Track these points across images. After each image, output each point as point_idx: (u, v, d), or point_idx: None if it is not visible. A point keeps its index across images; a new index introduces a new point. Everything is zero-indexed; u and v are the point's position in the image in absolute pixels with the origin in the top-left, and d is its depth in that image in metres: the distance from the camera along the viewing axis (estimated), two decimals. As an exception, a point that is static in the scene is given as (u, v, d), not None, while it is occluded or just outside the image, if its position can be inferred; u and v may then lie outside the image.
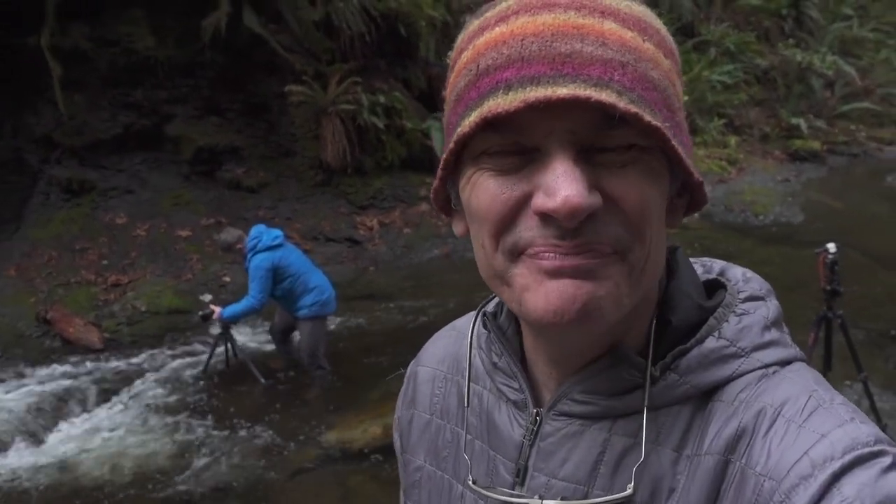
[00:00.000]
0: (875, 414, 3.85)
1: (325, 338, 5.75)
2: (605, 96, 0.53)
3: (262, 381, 5.64)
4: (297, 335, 5.78)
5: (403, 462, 0.87)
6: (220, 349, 5.82)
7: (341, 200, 9.75)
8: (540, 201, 0.56)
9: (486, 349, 0.76)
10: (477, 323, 0.80)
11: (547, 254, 0.57)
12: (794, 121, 14.61)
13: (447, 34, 11.22)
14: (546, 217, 0.56)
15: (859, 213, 10.47)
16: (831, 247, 3.81)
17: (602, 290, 0.58)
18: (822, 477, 0.53)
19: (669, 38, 0.62)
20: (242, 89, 9.59)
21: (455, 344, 0.86)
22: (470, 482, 0.73)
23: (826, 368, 3.97)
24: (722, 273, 0.74)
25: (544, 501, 0.66)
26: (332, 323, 6.72)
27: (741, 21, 16.65)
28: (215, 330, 5.94)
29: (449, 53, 0.66)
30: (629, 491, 0.62)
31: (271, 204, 9.34)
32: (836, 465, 0.53)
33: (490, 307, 0.79)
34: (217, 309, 5.45)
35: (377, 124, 9.64)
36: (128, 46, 8.86)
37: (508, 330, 0.74)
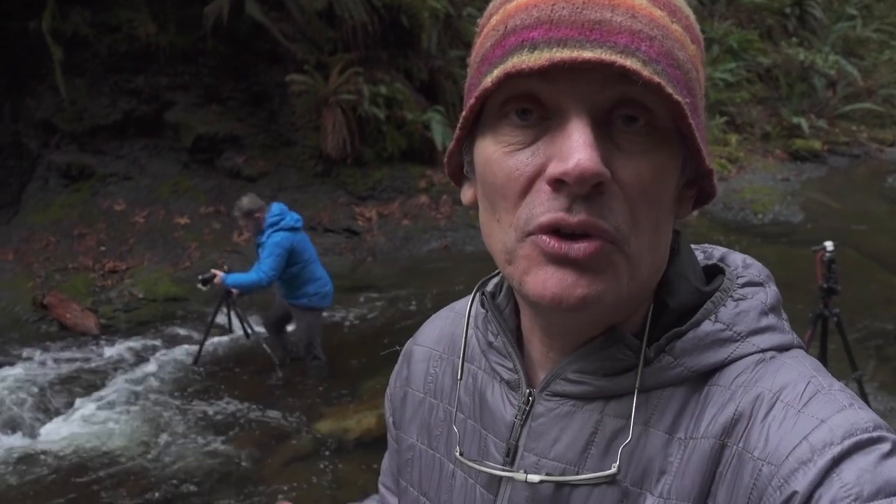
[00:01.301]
0: (869, 413, 3.86)
1: (321, 329, 5.73)
2: (631, 63, 0.53)
3: (276, 360, 5.58)
4: (291, 326, 5.75)
5: (396, 439, 0.87)
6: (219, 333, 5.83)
7: (340, 191, 9.74)
8: (552, 167, 0.56)
9: (482, 328, 0.76)
10: (475, 302, 0.80)
11: (552, 239, 0.57)
12: (795, 120, 14.59)
13: (449, 26, 11.19)
14: (558, 186, 0.56)
15: (859, 213, 10.47)
16: (829, 245, 3.82)
17: (602, 283, 0.58)
18: (822, 462, 0.53)
19: (697, 27, 0.63)
20: (244, 78, 9.57)
21: (452, 324, 0.86)
22: (457, 453, 0.73)
23: (821, 366, 3.98)
24: (722, 259, 0.74)
25: (528, 476, 0.66)
26: (330, 313, 6.72)
27: (744, 19, 16.61)
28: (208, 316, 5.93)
29: (476, 21, 0.67)
30: (613, 470, 0.62)
31: (271, 193, 9.31)
32: (835, 450, 0.53)
33: (489, 287, 0.79)
34: (220, 273, 5.29)
35: (378, 115, 9.62)
36: (129, 32, 8.83)
37: (506, 310, 0.74)
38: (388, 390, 0.92)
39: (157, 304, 7.24)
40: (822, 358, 4.04)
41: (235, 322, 6.17)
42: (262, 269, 5.05)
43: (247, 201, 5.30)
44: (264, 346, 5.68)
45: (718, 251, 0.75)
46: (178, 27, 9.02)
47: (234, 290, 5.56)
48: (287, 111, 9.76)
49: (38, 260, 7.80)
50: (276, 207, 5.29)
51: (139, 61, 8.92)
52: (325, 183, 9.71)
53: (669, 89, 0.54)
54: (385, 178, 9.94)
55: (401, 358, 0.92)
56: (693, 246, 0.74)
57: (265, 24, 9.09)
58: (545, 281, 0.58)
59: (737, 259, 0.73)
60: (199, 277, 5.45)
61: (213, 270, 5.41)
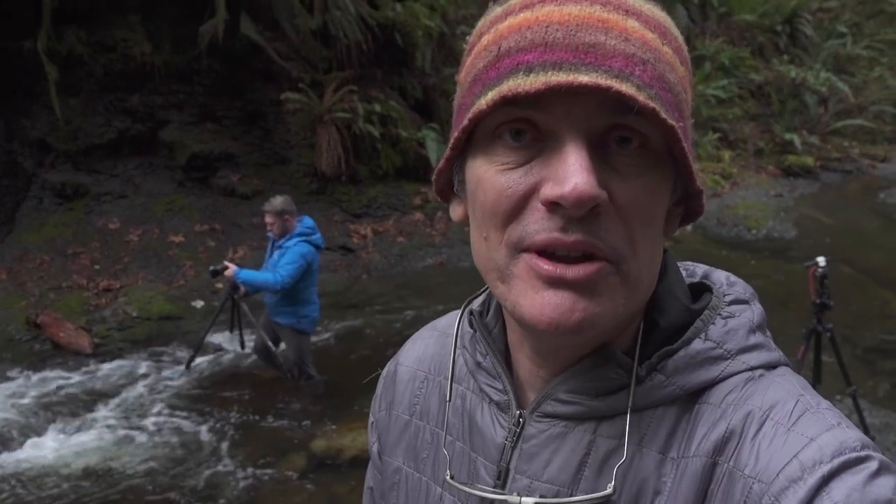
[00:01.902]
0: (864, 428, 3.86)
1: (310, 349, 5.64)
2: (626, 88, 0.53)
3: (280, 362, 5.48)
4: (282, 346, 5.60)
5: (381, 465, 0.86)
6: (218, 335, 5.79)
7: (335, 208, 9.75)
8: (548, 190, 0.56)
9: (470, 348, 0.75)
10: (462, 321, 0.79)
11: (546, 263, 0.57)
12: (787, 136, 14.69)
13: (443, 45, 11.28)
14: (553, 207, 0.56)
15: (851, 229, 10.52)
16: (821, 260, 3.83)
17: (599, 306, 0.58)
18: (812, 480, 0.53)
19: (685, 48, 0.63)
20: (238, 96, 9.60)
21: (436, 344, 0.85)
22: (448, 477, 0.72)
23: (815, 381, 3.99)
24: (706, 276, 0.74)
25: (522, 499, 0.66)
26: (324, 330, 6.71)
27: (736, 36, 16.77)
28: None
29: (466, 38, 0.66)
30: (609, 490, 0.62)
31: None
32: (825, 469, 0.54)
33: (475, 305, 0.78)
34: (232, 266, 5.21)
35: (372, 133, 9.67)
36: (124, 52, 8.87)
37: (495, 329, 0.74)
38: (371, 417, 0.90)
39: (151, 323, 7.21)
40: (816, 373, 4.04)
41: (237, 325, 6.06)
42: (280, 273, 4.94)
43: (281, 200, 5.19)
44: (267, 342, 5.47)
45: (700, 269, 0.76)
46: (172, 46, 9.07)
47: (242, 288, 5.46)
48: (282, 129, 9.79)
49: (32, 279, 7.78)
50: (309, 221, 5.24)
51: (134, 80, 8.96)
52: (320, 201, 9.72)
53: (664, 115, 0.54)
54: (380, 196, 9.97)
55: (382, 379, 0.90)
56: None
57: (260, 43, 9.15)
58: (542, 306, 0.58)
59: (720, 277, 0.73)
60: (211, 268, 5.36)
61: (226, 262, 5.34)
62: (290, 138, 9.80)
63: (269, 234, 5.31)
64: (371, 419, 0.90)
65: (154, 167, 9.21)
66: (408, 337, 0.92)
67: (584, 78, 0.53)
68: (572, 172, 0.54)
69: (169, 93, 9.20)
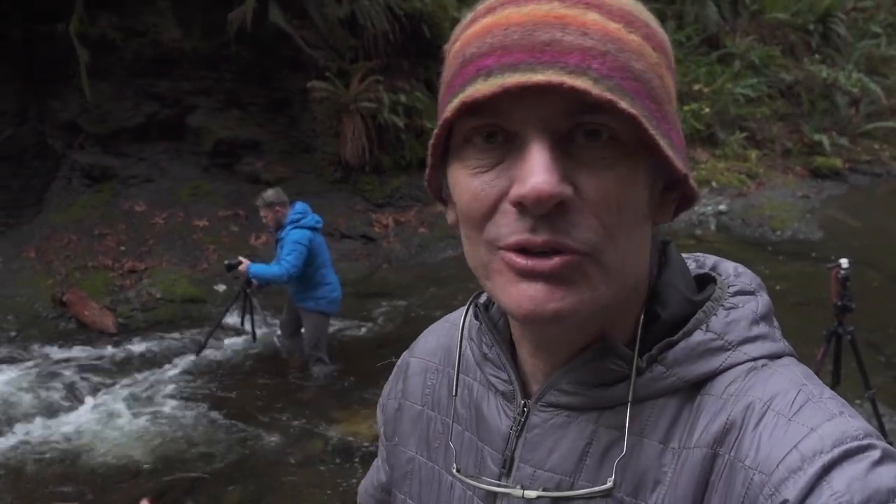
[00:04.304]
0: (882, 432, 3.83)
1: (327, 333, 5.75)
2: (580, 83, 0.53)
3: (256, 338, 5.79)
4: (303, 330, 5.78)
5: (391, 452, 0.88)
6: (231, 323, 5.87)
7: (358, 198, 9.80)
8: (513, 190, 0.57)
9: (476, 340, 0.77)
10: (469, 314, 0.80)
11: (518, 257, 0.58)
12: (816, 137, 14.48)
13: (471, 37, 11.23)
14: (521, 208, 0.57)
15: (879, 232, 10.36)
16: (844, 262, 3.79)
17: (576, 295, 0.59)
18: (812, 470, 0.54)
19: (660, 32, 0.62)
20: (265, 84, 9.66)
21: (448, 336, 0.86)
22: (454, 470, 0.74)
23: (834, 383, 3.95)
24: (714, 268, 0.74)
25: (525, 491, 0.67)
26: (344, 318, 6.76)
27: (767, 35, 16.54)
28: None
29: (445, 46, 0.67)
30: (609, 484, 0.63)
31: (289, 198, 9.40)
32: (825, 459, 0.54)
33: (482, 298, 0.80)
34: (246, 261, 5.38)
35: (397, 123, 9.68)
36: (154, 37, 8.96)
37: (500, 321, 0.75)
38: (380, 402, 0.92)
39: (174, 305, 7.31)
40: (836, 376, 4.01)
41: (248, 319, 6.23)
42: (285, 263, 5.10)
43: (271, 193, 5.37)
44: (276, 342, 5.73)
45: (710, 259, 0.76)
46: (202, 32, 9.14)
47: (255, 282, 5.66)
48: (307, 117, 9.84)
49: (59, 258, 7.91)
50: (300, 206, 5.35)
51: (163, 66, 9.05)
52: (343, 189, 9.77)
53: (623, 104, 0.54)
54: (403, 186, 9.99)
55: (396, 370, 0.92)
56: (685, 255, 0.75)
57: (288, 31, 9.19)
58: (518, 297, 0.59)
59: (728, 268, 0.73)
60: (226, 262, 5.57)
61: (241, 258, 5.50)
62: (315, 127, 9.85)
63: (268, 228, 5.48)
64: (380, 404, 0.92)
65: (180, 152, 9.31)
66: (425, 327, 0.94)
67: (537, 77, 0.53)
68: (532, 172, 0.55)
69: (197, 79, 9.29)
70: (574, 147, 0.58)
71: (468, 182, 0.61)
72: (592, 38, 0.56)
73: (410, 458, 0.84)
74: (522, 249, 0.58)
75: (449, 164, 0.64)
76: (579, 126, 0.57)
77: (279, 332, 6.02)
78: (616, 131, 0.57)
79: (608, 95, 0.54)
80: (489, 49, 0.57)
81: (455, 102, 0.58)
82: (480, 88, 0.56)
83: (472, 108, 0.57)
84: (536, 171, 0.55)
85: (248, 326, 6.25)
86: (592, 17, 0.57)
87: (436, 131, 0.61)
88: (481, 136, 0.59)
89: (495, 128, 0.59)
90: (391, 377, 0.93)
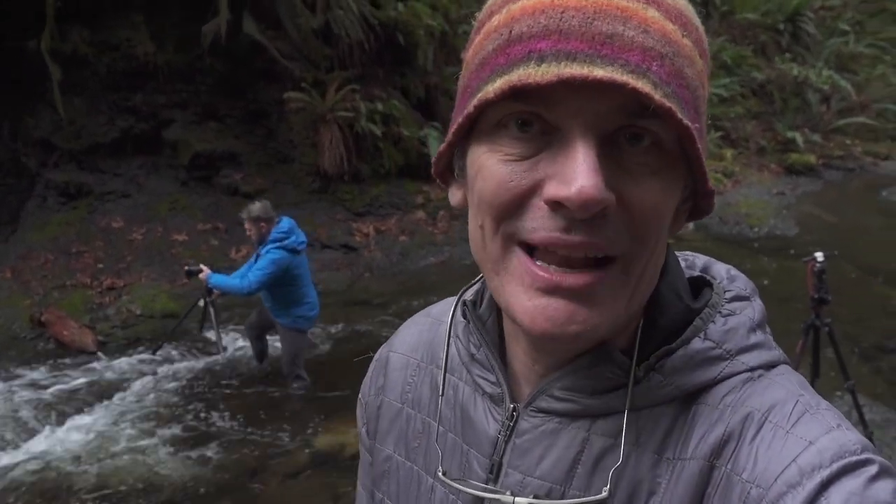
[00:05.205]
0: (862, 423, 3.87)
1: (304, 349, 5.69)
2: (643, 85, 0.50)
3: (222, 352, 5.91)
4: (269, 336, 5.77)
5: (370, 450, 0.85)
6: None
7: (338, 207, 9.78)
8: (553, 189, 0.53)
9: (463, 339, 0.74)
10: (456, 312, 0.77)
11: (542, 271, 0.55)
12: (790, 134, 14.69)
13: (445, 44, 11.29)
14: (556, 207, 0.54)
15: (853, 226, 10.52)
16: (819, 255, 3.84)
17: (598, 315, 0.56)
18: (810, 485, 0.53)
19: (705, 40, 0.59)
20: (241, 96, 9.63)
21: (430, 331, 0.83)
22: (440, 474, 0.71)
23: (814, 376, 3.99)
24: (706, 269, 0.73)
25: (516, 499, 0.64)
26: (327, 328, 6.74)
27: (738, 35, 16.76)
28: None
29: (476, 14, 0.62)
30: (604, 494, 0.61)
31: (268, 210, 9.37)
32: (824, 474, 0.53)
33: (469, 295, 0.77)
34: (206, 270, 5.35)
35: (375, 132, 9.69)
36: (127, 51, 8.90)
37: (489, 321, 0.72)
38: (360, 397, 0.88)
39: (154, 321, 7.24)
40: (815, 368, 4.05)
41: (206, 327, 6.26)
42: (249, 279, 5.03)
43: (258, 207, 5.28)
44: (218, 336, 5.91)
45: (700, 260, 0.74)
46: (176, 46, 9.10)
47: (215, 291, 5.66)
48: (284, 128, 9.82)
49: (36, 278, 7.81)
50: (286, 223, 5.24)
51: (137, 80, 8.99)
52: (323, 199, 9.75)
53: (680, 115, 0.51)
54: (382, 195, 9.99)
55: (375, 364, 0.88)
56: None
57: (262, 43, 9.17)
58: (534, 312, 0.56)
59: (721, 270, 0.71)
60: (186, 268, 5.56)
61: (202, 266, 5.47)
62: (292, 137, 9.82)
63: (251, 240, 5.47)
64: (360, 400, 0.88)
65: (157, 166, 9.23)
66: (405, 330, 0.91)
67: (599, 72, 0.50)
68: (579, 173, 0.52)
69: (172, 92, 9.23)
70: (616, 150, 0.55)
71: (497, 168, 0.57)
72: (653, 37, 0.53)
73: (388, 457, 0.81)
74: (548, 252, 0.56)
75: (472, 144, 0.60)
76: (624, 128, 0.54)
77: (246, 332, 5.98)
78: (660, 138, 0.55)
79: (668, 103, 0.51)
80: (543, 31, 0.53)
81: (500, 83, 0.53)
82: (533, 74, 0.51)
83: (518, 93, 0.53)
84: (582, 174, 0.52)
85: (212, 336, 6.24)
86: (653, 14, 0.54)
87: (468, 110, 0.57)
88: (516, 122, 0.56)
89: (534, 117, 0.55)
90: (370, 372, 0.89)
